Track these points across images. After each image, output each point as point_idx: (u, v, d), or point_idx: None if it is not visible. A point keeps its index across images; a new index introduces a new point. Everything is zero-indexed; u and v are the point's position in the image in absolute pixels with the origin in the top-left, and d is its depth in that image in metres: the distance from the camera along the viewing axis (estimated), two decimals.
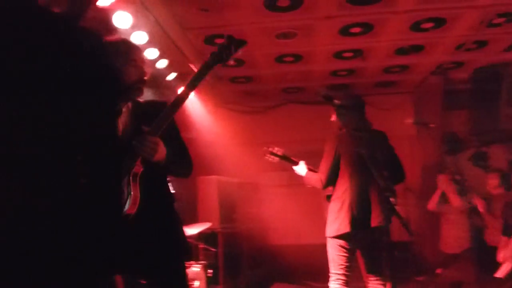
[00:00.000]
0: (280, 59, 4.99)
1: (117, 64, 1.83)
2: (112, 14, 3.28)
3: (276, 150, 3.34)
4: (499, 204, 4.52)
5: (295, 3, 3.62)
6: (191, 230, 4.40)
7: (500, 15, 4.01)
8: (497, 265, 4.35)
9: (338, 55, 4.95)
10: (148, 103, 2.06)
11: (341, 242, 3.01)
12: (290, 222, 5.84)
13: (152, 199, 1.86)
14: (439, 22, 4.10)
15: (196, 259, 4.72)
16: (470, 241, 4.79)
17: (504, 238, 4.09)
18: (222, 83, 5.65)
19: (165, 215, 1.97)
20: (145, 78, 1.95)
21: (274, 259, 6.03)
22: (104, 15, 3.32)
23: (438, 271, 5.15)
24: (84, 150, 1.11)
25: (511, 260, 3.75)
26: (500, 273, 3.74)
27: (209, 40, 4.32)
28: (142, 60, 1.98)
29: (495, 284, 4.01)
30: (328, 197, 3.36)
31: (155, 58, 4.02)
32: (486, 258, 4.52)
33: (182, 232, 2.04)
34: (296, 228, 5.93)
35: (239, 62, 4.97)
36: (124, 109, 1.93)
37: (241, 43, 2.02)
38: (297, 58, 4.97)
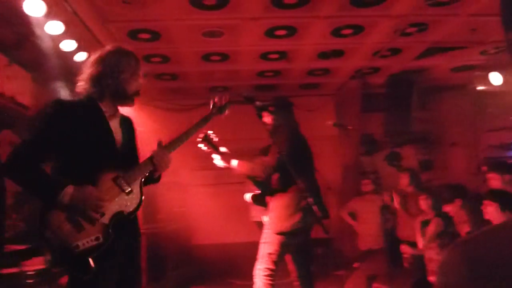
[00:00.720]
0: (207, 57, 4.95)
1: (126, 74, 2.14)
2: (23, 0, 3.04)
3: (211, 136, 3.14)
4: (412, 201, 4.88)
5: (221, 2, 3.61)
6: None
7: (412, 25, 4.33)
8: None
9: (264, 56, 5.02)
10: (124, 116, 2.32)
11: (291, 237, 3.06)
12: (215, 222, 5.81)
13: None
14: (358, 29, 4.32)
15: None
16: (384, 237, 5.11)
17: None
18: (147, 79, 5.47)
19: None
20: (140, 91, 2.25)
21: (199, 258, 5.97)
22: (14, 1, 3.06)
23: (355, 265, 5.44)
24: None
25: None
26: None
27: (133, 34, 4.17)
28: (142, 74, 2.23)
29: (405, 275, 4.33)
30: (257, 199, 3.38)
31: (73, 51, 3.80)
32: (399, 252, 4.86)
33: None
34: (221, 227, 5.92)
35: (164, 58, 4.86)
36: (116, 115, 2.22)
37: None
38: (224, 57, 4.97)
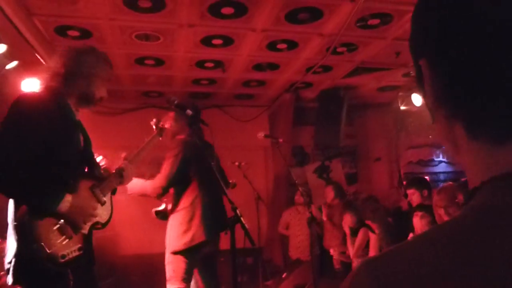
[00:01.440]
0: (140, 61, 4.81)
1: (99, 78, 2.10)
2: None
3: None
4: (336, 213, 5.08)
5: (157, 6, 3.53)
6: None
7: (342, 45, 4.54)
8: (333, 268, 4.87)
9: (200, 64, 4.99)
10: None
11: (191, 253, 2.97)
12: (143, 231, 5.63)
13: None
14: (292, 44, 4.44)
15: None
16: (312, 247, 5.24)
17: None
18: None
19: None
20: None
21: (126, 269, 5.73)
22: None
23: (284, 275, 5.53)
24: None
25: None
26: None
27: (61, 30, 3.94)
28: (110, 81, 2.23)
29: (332, 285, 4.47)
30: (159, 213, 3.26)
31: None
32: (326, 262, 5.03)
33: None
34: (148, 237, 5.74)
35: None
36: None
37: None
38: (159, 62, 4.86)
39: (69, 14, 3.63)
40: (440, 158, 7.56)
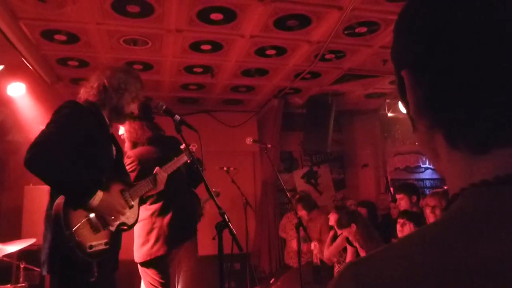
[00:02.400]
0: (129, 65, 4.79)
1: (130, 95, 2.28)
2: None
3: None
4: (317, 224, 5.10)
5: (146, 11, 3.53)
6: (11, 247, 3.84)
7: (330, 52, 4.59)
8: (324, 274, 4.86)
9: (189, 69, 4.99)
10: None
11: (152, 265, 2.90)
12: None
13: None
14: (281, 50, 4.47)
15: (16, 281, 4.13)
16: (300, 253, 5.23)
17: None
18: (63, 84, 5.15)
19: None
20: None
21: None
22: None
23: (272, 280, 5.52)
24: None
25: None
26: None
27: (47, 34, 3.91)
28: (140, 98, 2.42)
29: None
30: None
31: None
32: (319, 269, 5.03)
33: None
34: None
35: (82, 63, 4.61)
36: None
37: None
38: (147, 66, 4.85)
39: (56, 18, 3.60)
40: (427, 165, 7.65)
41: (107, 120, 2.26)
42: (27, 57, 4.12)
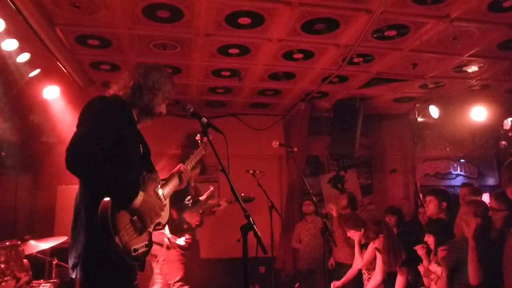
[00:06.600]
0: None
1: (161, 95, 2.25)
2: None
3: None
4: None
5: (175, 16, 3.60)
6: (44, 244, 3.99)
7: (359, 55, 4.54)
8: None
9: (217, 73, 5.04)
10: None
11: None
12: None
13: None
14: (308, 54, 4.46)
15: (49, 277, 4.27)
16: (322, 258, 5.17)
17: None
18: (95, 87, 5.30)
19: None
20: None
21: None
22: None
23: (296, 285, 5.49)
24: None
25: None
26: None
27: (81, 39, 4.04)
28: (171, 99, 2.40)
29: None
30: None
31: (14, 50, 3.63)
32: (336, 272, 4.96)
33: None
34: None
35: (114, 67, 4.73)
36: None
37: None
38: (176, 70, 4.93)
39: (89, 24, 3.72)
40: (458, 171, 7.44)
41: (135, 117, 2.24)
42: (62, 61, 4.27)
